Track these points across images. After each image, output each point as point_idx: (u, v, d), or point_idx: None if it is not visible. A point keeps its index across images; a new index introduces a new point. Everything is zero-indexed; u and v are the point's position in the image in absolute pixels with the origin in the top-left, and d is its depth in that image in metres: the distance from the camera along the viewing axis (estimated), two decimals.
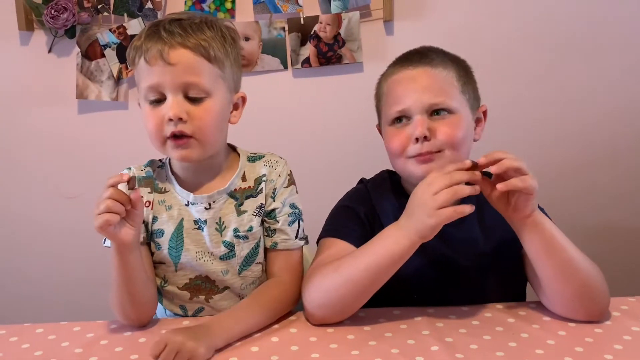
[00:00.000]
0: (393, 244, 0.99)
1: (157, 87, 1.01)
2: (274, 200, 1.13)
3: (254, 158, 1.16)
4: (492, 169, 0.96)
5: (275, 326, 1.05)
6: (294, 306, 1.10)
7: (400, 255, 0.99)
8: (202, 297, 1.15)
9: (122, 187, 0.97)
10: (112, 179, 0.96)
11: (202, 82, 1.01)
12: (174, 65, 0.99)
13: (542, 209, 1.09)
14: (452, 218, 0.95)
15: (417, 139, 1.06)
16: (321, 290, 1.03)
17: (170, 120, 1.00)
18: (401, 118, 1.10)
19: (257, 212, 1.13)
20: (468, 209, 0.96)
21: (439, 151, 1.07)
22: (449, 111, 1.08)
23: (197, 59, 1.01)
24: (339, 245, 1.11)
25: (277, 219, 1.13)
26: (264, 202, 1.13)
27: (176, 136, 1.02)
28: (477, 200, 1.12)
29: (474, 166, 0.99)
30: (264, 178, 1.13)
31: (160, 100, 1.02)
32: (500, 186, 0.96)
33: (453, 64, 1.13)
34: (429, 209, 0.95)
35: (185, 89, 1.01)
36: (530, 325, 1.02)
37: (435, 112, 1.08)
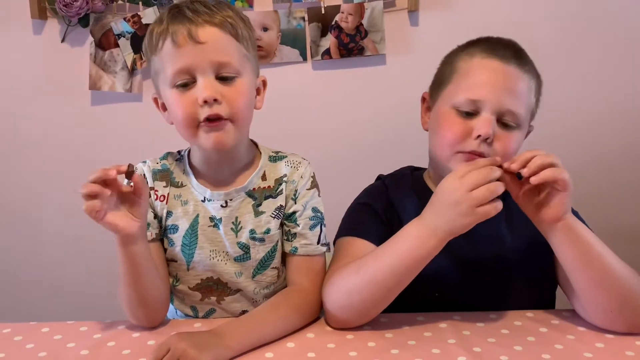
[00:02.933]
0: (419, 242, 0.95)
1: (187, 69, 0.98)
2: (295, 203, 1.09)
3: (275, 158, 1.12)
4: (524, 172, 0.92)
5: None
6: (314, 317, 1.05)
7: (427, 255, 0.95)
8: (213, 299, 1.12)
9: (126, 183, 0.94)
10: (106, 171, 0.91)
11: (233, 62, 0.99)
12: (204, 44, 0.97)
13: (576, 212, 1.04)
14: (491, 215, 0.91)
15: (478, 136, 1.01)
16: (342, 292, 1.00)
17: (205, 102, 0.97)
18: (470, 110, 1.03)
19: (275, 213, 1.09)
20: (501, 204, 0.92)
21: None
22: (517, 124, 1.03)
23: (226, 37, 0.99)
24: (358, 245, 1.07)
25: (298, 222, 1.09)
26: (283, 204, 1.09)
27: (210, 119, 0.98)
28: (503, 198, 1.09)
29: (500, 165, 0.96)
30: (284, 179, 1.10)
31: (187, 84, 0.99)
32: (533, 179, 0.91)
33: (537, 75, 1.09)
34: (466, 207, 0.90)
35: (217, 68, 0.98)
36: (564, 335, 0.98)
37: (503, 120, 1.03)
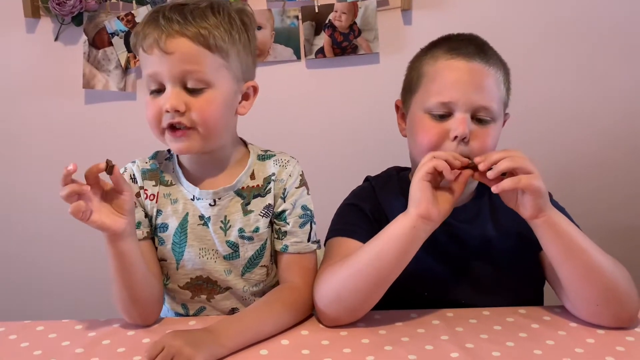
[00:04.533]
0: (394, 227, 0.98)
1: (155, 77, 0.99)
2: (284, 201, 1.09)
3: (264, 156, 1.12)
4: (489, 175, 0.94)
5: None
6: (308, 313, 1.06)
7: (402, 235, 0.96)
8: (203, 297, 1.12)
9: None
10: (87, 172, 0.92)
11: (202, 72, 0.98)
12: (170, 55, 0.96)
13: (562, 208, 1.06)
14: (426, 167, 0.95)
15: (455, 137, 1.02)
16: (331, 287, 1.00)
17: (168, 111, 0.97)
18: (442, 113, 1.05)
19: (264, 212, 1.09)
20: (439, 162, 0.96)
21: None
22: (492, 118, 1.05)
23: (196, 48, 0.97)
24: (347, 244, 1.08)
25: (287, 221, 1.09)
26: (272, 203, 1.09)
27: (173, 128, 0.99)
28: (489, 198, 1.12)
29: (472, 165, 0.98)
30: (273, 177, 1.10)
31: (160, 90, 1.00)
32: (493, 189, 0.95)
33: (503, 66, 1.10)
34: (415, 176, 0.98)
35: (183, 79, 0.98)
36: (555, 331, 0.98)
37: (477, 116, 1.04)
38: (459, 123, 1.02)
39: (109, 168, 0.92)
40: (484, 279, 1.10)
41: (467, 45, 1.07)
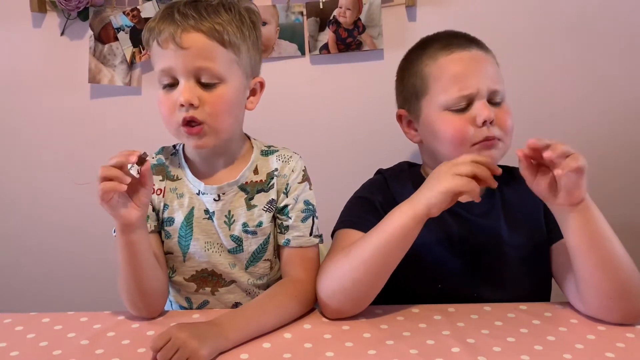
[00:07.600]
0: (398, 217, 0.97)
1: (169, 71, 1.00)
2: (286, 196, 1.11)
3: (267, 152, 1.14)
4: (546, 155, 0.90)
5: None
6: (311, 305, 1.07)
7: (405, 227, 0.96)
8: (208, 290, 1.13)
9: (134, 171, 0.94)
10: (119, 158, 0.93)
11: (215, 68, 0.99)
12: (186, 49, 0.98)
13: None
14: (463, 188, 0.92)
15: (483, 122, 1.04)
16: (334, 277, 1.01)
17: (182, 105, 0.99)
18: (464, 105, 1.06)
19: (267, 207, 1.10)
20: (476, 189, 0.93)
21: (499, 139, 1.06)
22: (502, 99, 1.08)
23: (211, 44, 0.99)
24: (354, 236, 1.08)
25: (290, 215, 1.11)
26: (275, 198, 1.11)
27: (189, 124, 1.00)
28: (501, 193, 1.12)
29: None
30: (275, 173, 1.11)
31: (173, 85, 1.01)
32: (557, 172, 0.90)
33: (489, 49, 1.13)
34: (444, 174, 0.94)
35: (197, 73, 0.99)
36: (556, 327, 0.99)
37: (491, 100, 1.07)
38: (483, 108, 1.05)
39: (141, 160, 0.93)
40: (496, 272, 1.11)
41: (457, 38, 1.11)
